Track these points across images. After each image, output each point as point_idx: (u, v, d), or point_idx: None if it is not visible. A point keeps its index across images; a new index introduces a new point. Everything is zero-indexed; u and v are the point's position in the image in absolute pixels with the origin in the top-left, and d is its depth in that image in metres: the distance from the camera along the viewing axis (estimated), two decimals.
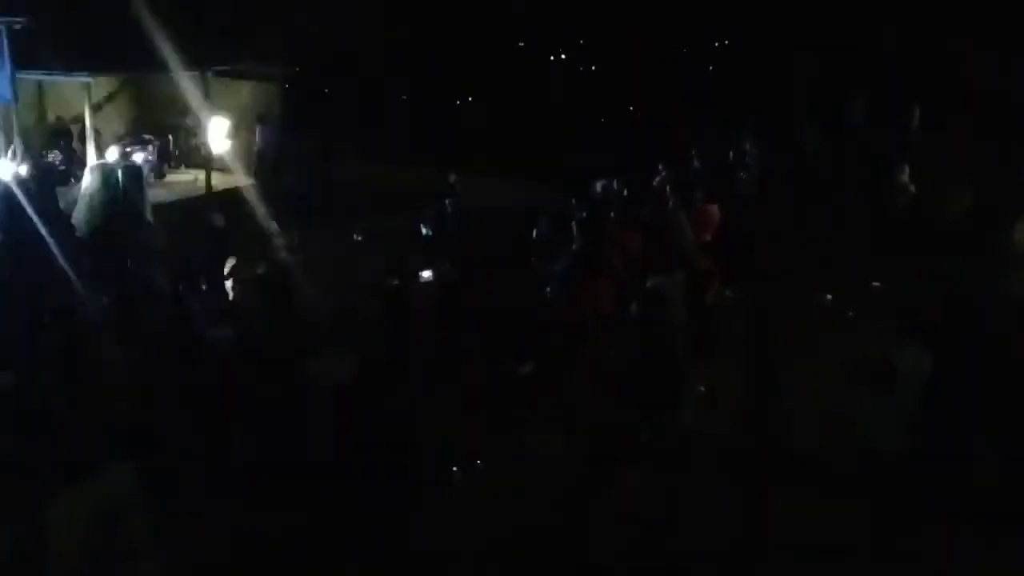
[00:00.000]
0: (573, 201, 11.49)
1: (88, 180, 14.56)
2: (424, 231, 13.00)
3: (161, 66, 15.48)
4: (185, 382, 7.31)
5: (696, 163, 12.73)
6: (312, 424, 6.70)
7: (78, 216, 14.24)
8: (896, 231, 10.48)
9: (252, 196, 15.50)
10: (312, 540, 6.29)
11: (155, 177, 17.65)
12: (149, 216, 14.75)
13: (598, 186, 12.29)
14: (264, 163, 18.49)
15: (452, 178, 14.31)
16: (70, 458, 4.97)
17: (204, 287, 10.84)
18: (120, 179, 14.44)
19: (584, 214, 10.58)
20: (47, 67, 16.11)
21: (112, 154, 15.42)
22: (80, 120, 17.10)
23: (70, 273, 11.10)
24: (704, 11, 21.69)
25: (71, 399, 6.75)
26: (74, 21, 15.54)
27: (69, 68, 16.15)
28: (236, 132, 17.81)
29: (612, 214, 10.79)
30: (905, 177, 10.77)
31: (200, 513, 6.41)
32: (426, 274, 9.88)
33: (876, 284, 10.60)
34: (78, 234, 13.52)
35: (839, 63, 14.99)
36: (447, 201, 13.46)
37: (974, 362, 6.64)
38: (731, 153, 12.70)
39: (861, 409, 6.65)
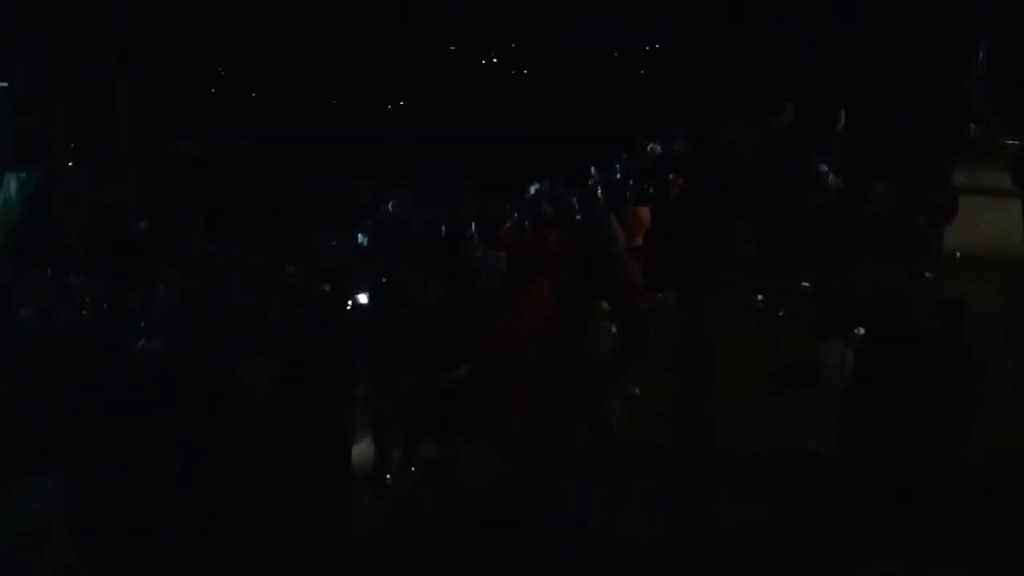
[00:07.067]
0: (506, 205, 11.44)
1: (7, 186, 14.19)
2: (360, 238, 12.79)
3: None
4: (107, 392, 7.12)
5: (627, 165, 12.76)
6: (238, 433, 6.54)
7: None
8: (823, 231, 10.60)
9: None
10: (242, 552, 6.14)
11: None
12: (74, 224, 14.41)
13: (532, 189, 12.24)
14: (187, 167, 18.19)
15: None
16: None
17: (129, 295, 10.61)
18: (36, 188, 14.09)
19: (520, 218, 10.56)
20: None
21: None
22: None
23: None
24: (635, 15, 21.86)
25: None
26: None
27: None
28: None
29: (546, 217, 10.76)
30: (832, 178, 10.90)
31: (125, 529, 6.23)
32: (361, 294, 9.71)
33: (805, 284, 10.72)
34: None
35: (766, 65, 15.21)
36: (389, 204, 13.17)
37: (898, 361, 6.72)
38: (662, 155, 12.76)
39: (788, 409, 6.70)
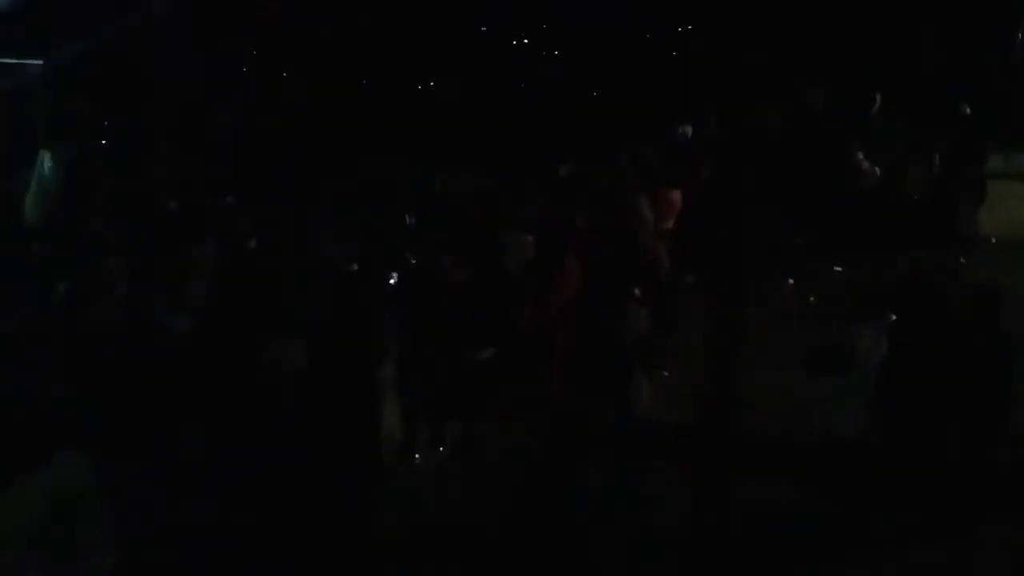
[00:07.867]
0: (536, 185, 11.41)
1: (41, 163, 14.26)
2: (408, 218, 12.75)
3: None
4: (140, 371, 7.17)
5: (659, 147, 12.68)
6: (267, 412, 6.59)
7: (30, 202, 13.94)
8: (856, 216, 10.52)
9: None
10: (269, 530, 6.20)
11: None
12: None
13: (562, 170, 12.19)
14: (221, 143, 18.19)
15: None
16: (20, 449, 4.86)
17: (161, 272, 10.66)
18: (70, 166, 14.12)
19: (551, 199, 10.53)
20: None
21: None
22: None
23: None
24: None
25: (21, 389, 6.61)
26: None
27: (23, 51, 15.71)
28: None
29: (576, 199, 10.73)
30: (867, 163, 10.81)
31: (156, 505, 6.30)
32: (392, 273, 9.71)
33: (838, 269, 10.65)
34: (28, 220, 13.23)
35: (799, 47, 15.05)
36: (425, 183, 13.10)
37: (931, 347, 6.68)
38: (693, 137, 12.67)
39: (820, 394, 6.67)
